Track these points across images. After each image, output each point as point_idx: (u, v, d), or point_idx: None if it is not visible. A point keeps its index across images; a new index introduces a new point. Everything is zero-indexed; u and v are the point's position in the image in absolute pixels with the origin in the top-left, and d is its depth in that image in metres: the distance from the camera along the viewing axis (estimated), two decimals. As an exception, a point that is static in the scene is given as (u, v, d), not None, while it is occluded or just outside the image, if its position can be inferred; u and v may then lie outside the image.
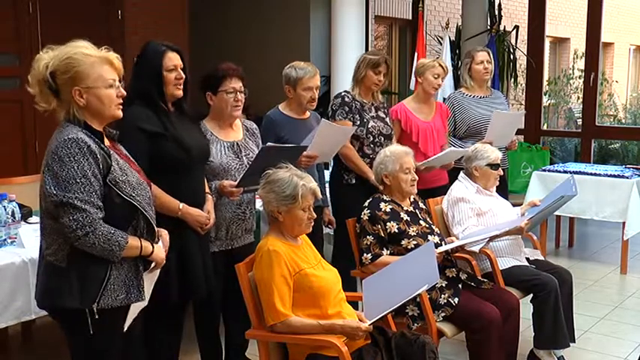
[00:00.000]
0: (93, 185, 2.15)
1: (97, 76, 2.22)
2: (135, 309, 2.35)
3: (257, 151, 3.28)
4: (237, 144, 3.29)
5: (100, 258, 2.20)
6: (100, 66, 2.23)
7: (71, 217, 2.13)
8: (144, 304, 2.41)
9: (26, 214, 3.52)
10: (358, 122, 4.00)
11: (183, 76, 2.92)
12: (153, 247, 2.33)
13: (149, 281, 2.41)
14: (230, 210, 3.24)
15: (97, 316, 2.19)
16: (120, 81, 2.30)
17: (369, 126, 4.02)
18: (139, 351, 2.56)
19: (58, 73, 2.20)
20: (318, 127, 3.57)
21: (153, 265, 2.36)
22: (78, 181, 2.13)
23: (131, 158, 2.45)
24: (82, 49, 2.23)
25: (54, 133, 2.23)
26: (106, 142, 2.33)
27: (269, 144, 3.28)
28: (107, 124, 2.34)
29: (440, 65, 4.33)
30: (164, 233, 2.50)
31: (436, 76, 4.30)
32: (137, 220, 2.29)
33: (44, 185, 2.18)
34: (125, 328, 2.34)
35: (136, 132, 2.73)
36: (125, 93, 2.32)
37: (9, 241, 3.18)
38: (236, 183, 3.13)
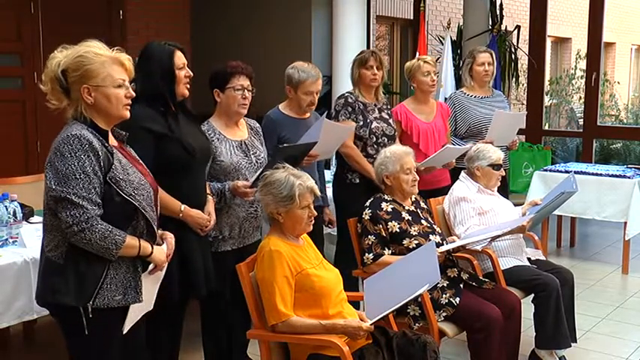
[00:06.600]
0: (92, 182, 2.16)
1: (106, 75, 2.23)
2: (136, 312, 2.33)
3: (264, 150, 3.27)
4: (245, 143, 3.31)
5: (98, 256, 2.19)
6: (110, 66, 2.24)
7: (68, 213, 2.14)
8: (148, 308, 2.39)
9: (28, 213, 3.52)
10: (361, 123, 4.00)
11: (191, 74, 2.93)
12: (152, 248, 2.32)
13: (151, 283, 2.39)
14: (244, 209, 3.25)
15: (91, 316, 2.18)
16: (131, 82, 2.31)
17: (372, 127, 4.01)
18: (142, 357, 2.54)
19: (69, 71, 2.21)
20: (321, 126, 3.54)
21: (152, 266, 2.34)
22: (77, 177, 2.14)
23: (139, 160, 2.45)
24: (94, 48, 2.25)
25: (61, 131, 2.24)
26: (113, 142, 2.33)
27: (284, 144, 3.28)
28: (115, 124, 2.34)
29: (425, 62, 4.27)
30: (169, 237, 2.49)
31: (426, 73, 4.25)
32: (137, 220, 2.28)
33: (45, 180, 2.19)
34: (125, 331, 2.32)
35: (142, 132, 2.72)
36: (134, 94, 2.33)
37: (10, 240, 3.19)
38: (249, 183, 3.13)
